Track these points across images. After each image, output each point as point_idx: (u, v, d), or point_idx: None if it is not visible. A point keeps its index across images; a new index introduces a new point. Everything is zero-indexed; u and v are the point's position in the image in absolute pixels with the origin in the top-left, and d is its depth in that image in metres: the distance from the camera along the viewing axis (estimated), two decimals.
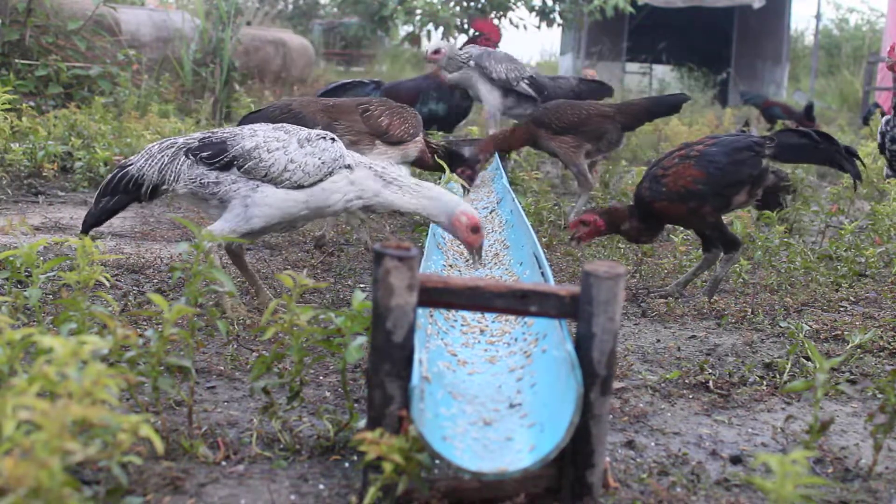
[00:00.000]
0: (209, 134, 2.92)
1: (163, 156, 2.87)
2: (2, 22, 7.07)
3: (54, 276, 3.11)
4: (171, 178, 2.84)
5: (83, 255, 2.28)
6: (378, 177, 2.88)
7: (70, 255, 2.82)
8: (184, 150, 2.86)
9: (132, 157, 2.96)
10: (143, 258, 3.75)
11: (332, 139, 2.91)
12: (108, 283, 2.35)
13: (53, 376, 1.37)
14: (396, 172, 2.91)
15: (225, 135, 2.89)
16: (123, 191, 2.88)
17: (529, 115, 5.35)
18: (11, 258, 2.54)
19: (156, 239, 4.29)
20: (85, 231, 2.94)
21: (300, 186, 2.83)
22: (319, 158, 2.83)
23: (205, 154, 2.84)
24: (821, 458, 2.08)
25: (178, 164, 2.85)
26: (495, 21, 12.78)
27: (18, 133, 5.77)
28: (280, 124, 3.00)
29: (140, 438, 1.74)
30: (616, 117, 4.98)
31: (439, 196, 2.89)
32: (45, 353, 1.48)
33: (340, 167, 2.84)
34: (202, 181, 2.83)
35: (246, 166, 2.81)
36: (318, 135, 2.92)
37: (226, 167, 2.83)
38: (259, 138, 2.85)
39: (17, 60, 7.09)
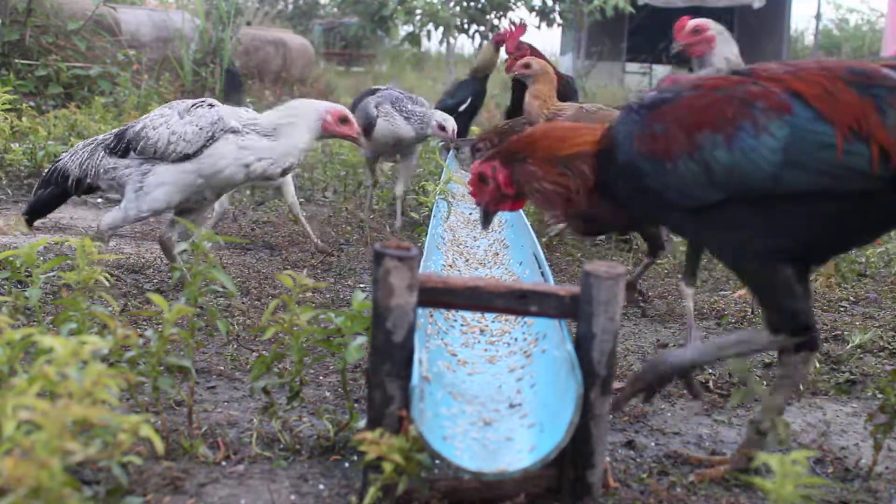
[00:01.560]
0: (125, 127, 3.12)
1: (83, 151, 3.08)
2: (2, 22, 7.07)
3: (54, 276, 3.10)
4: (91, 172, 3.05)
5: (83, 255, 2.28)
6: (262, 136, 2.99)
7: (70, 255, 2.83)
8: (101, 144, 3.06)
9: (63, 154, 3.20)
10: (143, 258, 3.75)
11: (210, 105, 3.03)
12: (108, 283, 2.34)
13: (54, 376, 1.37)
14: (251, 118, 3.03)
15: (128, 124, 3.10)
16: (54, 183, 3.12)
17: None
18: (11, 258, 2.54)
19: (156, 239, 4.29)
20: (29, 224, 3.21)
21: (186, 157, 2.93)
22: (196, 125, 2.93)
23: (110, 144, 3.03)
24: (821, 458, 2.08)
25: (96, 158, 3.06)
26: (495, 21, 12.78)
27: (18, 133, 5.77)
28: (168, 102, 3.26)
29: (140, 438, 1.74)
30: None
31: (303, 110, 3.02)
32: (45, 353, 1.48)
33: (222, 130, 2.93)
34: (107, 170, 3.03)
35: (139, 147, 2.98)
36: (195, 103, 3.04)
37: (125, 153, 3.01)
38: (146, 119, 3.03)
39: (17, 60, 7.09)
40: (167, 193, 2.97)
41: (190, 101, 3.05)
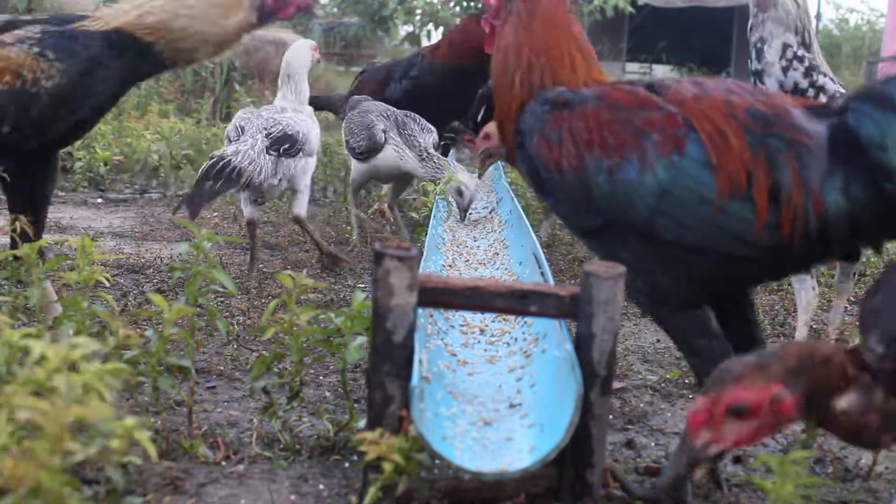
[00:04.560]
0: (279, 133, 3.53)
1: (250, 153, 3.33)
2: None
3: (54, 276, 3.10)
4: (264, 170, 3.38)
5: (83, 255, 2.28)
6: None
7: (70, 255, 2.82)
8: (264, 148, 3.42)
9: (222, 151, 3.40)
10: (143, 258, 3.75)
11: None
12: (108, 283, 2.34)
13: (45, 381, 1.36)
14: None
15: (278, 128, 3.54)
16: (225, 178, 3.28)
17: None
18: (11, 258, 2.54)
19: (156, 239, 4.29)
20: (194, 215, 3.20)
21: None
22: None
23: (275, 147, 3.45)
24: (821, 458, 2.08)
25: (263, 158, 3.39)
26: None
27: None
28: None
29: (135, 443, 1.74)
30: None
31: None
32: (35, 356, 1.48)
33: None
34: (279, 168, 3.48)
35: (304, 149, 3.59)
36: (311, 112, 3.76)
37: (294, 154, 3.53)
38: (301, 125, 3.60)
39: None
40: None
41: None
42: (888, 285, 1.53)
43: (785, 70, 2.81)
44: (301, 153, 3.53)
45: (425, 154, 3.98)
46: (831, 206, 1.57)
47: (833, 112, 1.63)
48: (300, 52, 3.83)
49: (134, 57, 2.39)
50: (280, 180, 3.49)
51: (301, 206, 3.66)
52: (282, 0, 2.56)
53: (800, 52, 2.82)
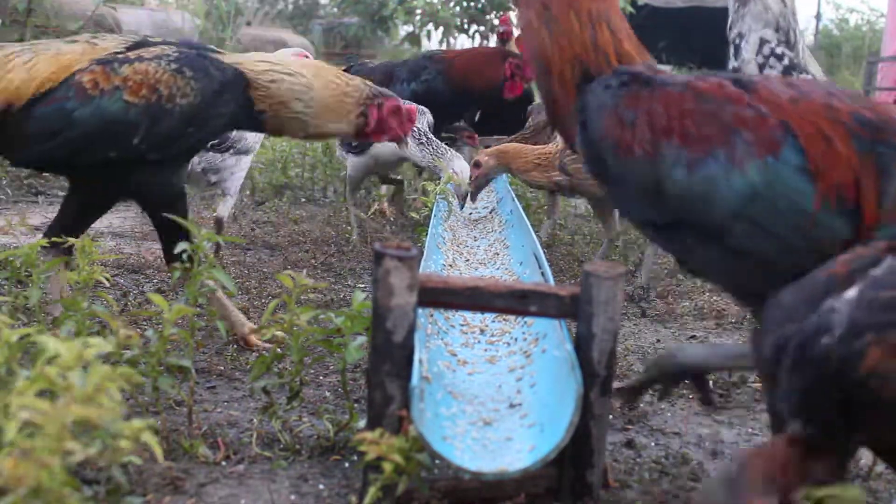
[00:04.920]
0: None
1: None
2: (2, 22, 7.06)
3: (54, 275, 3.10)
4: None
5: (83, 255, 2.28)
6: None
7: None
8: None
9: None
10: (143, 258, 3.75)
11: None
12: (108, 283, 2.35)
13: (55, 378, 1.36)
14: None
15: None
16: None
17: None
18: (11, 258, 2.54)
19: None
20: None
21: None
22: None
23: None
24: None
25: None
26: (495, 21, 12.78)
27: None
28: None
29: (140, 444, 1.74)
30: None
31: None
32: (44, 354, 1.48)
33: None
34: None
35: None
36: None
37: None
38: None
39: None
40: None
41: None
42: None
43: (761, 67, 2.69)
44: (231, 149, 3.42)
45: (424, 138, 3.90)
46: None
47: None
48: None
49: (244, 102, 2.43)
50: (204, 171, 3.41)
51: (225, 209, 3.56)
52: (380, 126, 2.60)
53: (779, 50, 2.69)
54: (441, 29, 12.65)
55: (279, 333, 2.00)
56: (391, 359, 1.63)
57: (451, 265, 3.24)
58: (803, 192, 1.47)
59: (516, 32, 5.87)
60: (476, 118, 5.88)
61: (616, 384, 1.85)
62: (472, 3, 12.96)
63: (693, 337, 3.06)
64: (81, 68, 2.26)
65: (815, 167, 1.48)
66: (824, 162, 1.48)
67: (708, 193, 1.52)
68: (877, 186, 1.46)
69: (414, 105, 2.81)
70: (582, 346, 1.68)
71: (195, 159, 3.32)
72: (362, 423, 1.83)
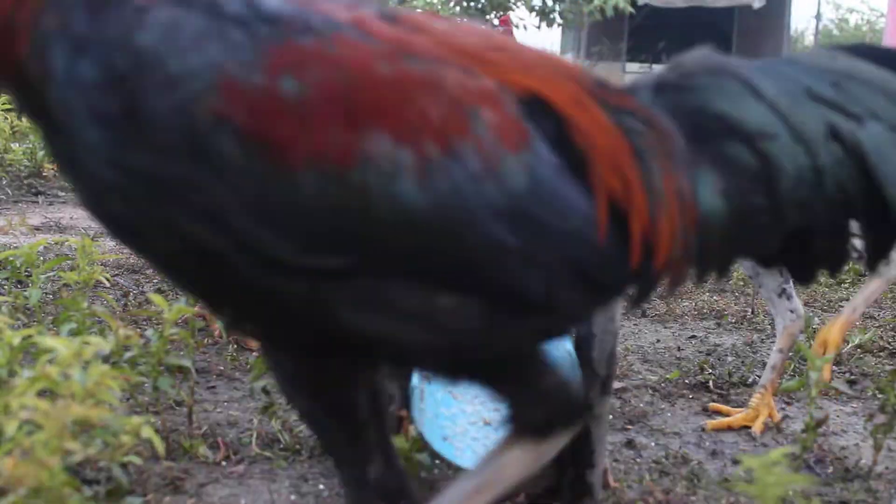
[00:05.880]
0: None
1: None
2: None
3: (54, 276, 3.11)
4: None
5: (83, 255, 2.28)
6: None
7: (70, 255, 2.83)
8: None
9: None
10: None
11: None
12: (108, 283, 2.35)
13: (56, 377, 1.37)
14: None
15: None
16: None
17: None
18: (11, 258, 2.54)
19: None
20: None
21: None
22: None
23: None
24: (821, 458, 2.08)
25: None
26: (495, 21, 12.78)
27: (18, 133, 5.77)
28: None
29: (141, 439, 1.74)
30: None
31: None
32: (45, 354, 1.48)
33: None
34: None
35: None
36: None
37: None
38: None
39: None
40: None
41: None
42: None
43: None
44: None
45: None
46: (708, 211, 1.06)
47: (667, 86, 1.11)
48: None
49: None
50: None
51: None
52: None
53: None
54: None
55: None
56: None
57: None
58: (576, 205, 0.99)
59: (516, 32, 5.92)
60: None
61: (616, 384, 1.85)
62: (472, 3, 12.96)
63: (693, 337, 3.06)
64: None
65: (588, 159, 1.00)
66: (595, 149, 1.00)
67: (456, 214, 0.94)
68: (644, 186, 1.01)
69: None
70: (582, 346, 1.68)
71: None
72: None
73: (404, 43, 0.95)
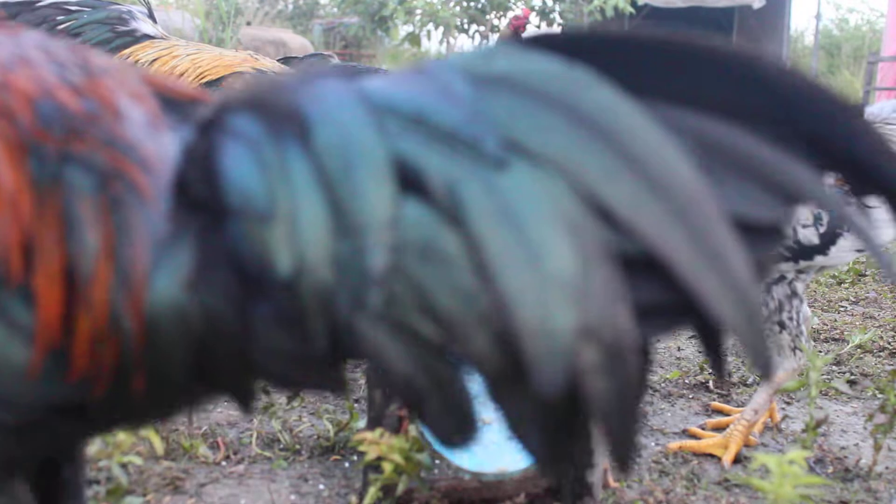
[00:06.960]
0: None
1: None
2: None
3: None
4: None
5: None
6: None
7: None
8: None
9: None
10: None
11: None
12: None
13: None
14: None
15: None
16: None
17: None
18: None
19: None
20: None
21: None
22: None
23: None
24: (821, 458, 2.08)
25: None
26: (495, 21, 12.80)
27: None
28: None
29: (140, 438, 1.74)
30: None
31: None
32: None
33: None
34: None
35: None
36: None
37: None
38: None
39: None
40: None
41: None
42: None
43: None
44: None
45: None
46: (164, 309, 0.68)
47: (204, 116, 0.74)
48: None
49: None
50: None
51: None
52: None
53: None
54: (441, 29, 12.66)
55: None
56: None
57: None
58: None
59: (529, 27, 6.02)
60: None
61: None
62: (472, 3, 12.98)
63: (693, 337, 3.05)
64: (242, 71, 2.39)
65: None
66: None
67: None
68: (61, 253, 0.67)
69: None
70: None
71: None
72: (362, 423, 1.83)
73: None
